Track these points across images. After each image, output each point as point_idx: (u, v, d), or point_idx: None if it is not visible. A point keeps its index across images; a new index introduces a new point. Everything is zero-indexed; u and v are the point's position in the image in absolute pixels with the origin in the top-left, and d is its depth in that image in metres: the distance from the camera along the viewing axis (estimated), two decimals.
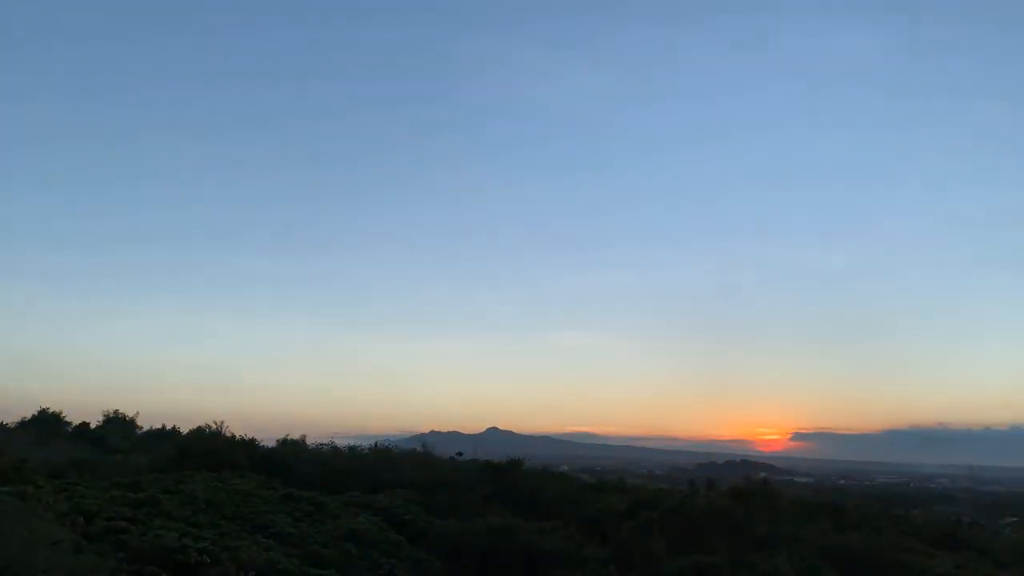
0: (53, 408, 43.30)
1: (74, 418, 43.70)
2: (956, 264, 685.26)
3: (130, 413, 46.48)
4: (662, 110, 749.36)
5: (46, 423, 41.73)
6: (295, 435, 43.43)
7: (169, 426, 47.26)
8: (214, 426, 39.90)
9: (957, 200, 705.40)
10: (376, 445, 47.80)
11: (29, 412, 42.70)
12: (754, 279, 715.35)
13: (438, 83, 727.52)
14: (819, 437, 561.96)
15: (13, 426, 41.73)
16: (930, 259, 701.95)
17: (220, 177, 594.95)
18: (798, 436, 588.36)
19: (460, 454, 51.02)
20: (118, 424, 44.80)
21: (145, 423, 47.17)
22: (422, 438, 57.37)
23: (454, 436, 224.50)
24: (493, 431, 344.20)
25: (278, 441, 42.40)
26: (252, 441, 40.51)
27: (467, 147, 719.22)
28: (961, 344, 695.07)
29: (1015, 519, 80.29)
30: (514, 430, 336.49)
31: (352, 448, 45.62)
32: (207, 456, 33.19)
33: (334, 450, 43.43)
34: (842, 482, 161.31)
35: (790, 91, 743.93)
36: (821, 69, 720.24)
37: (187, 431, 42.50)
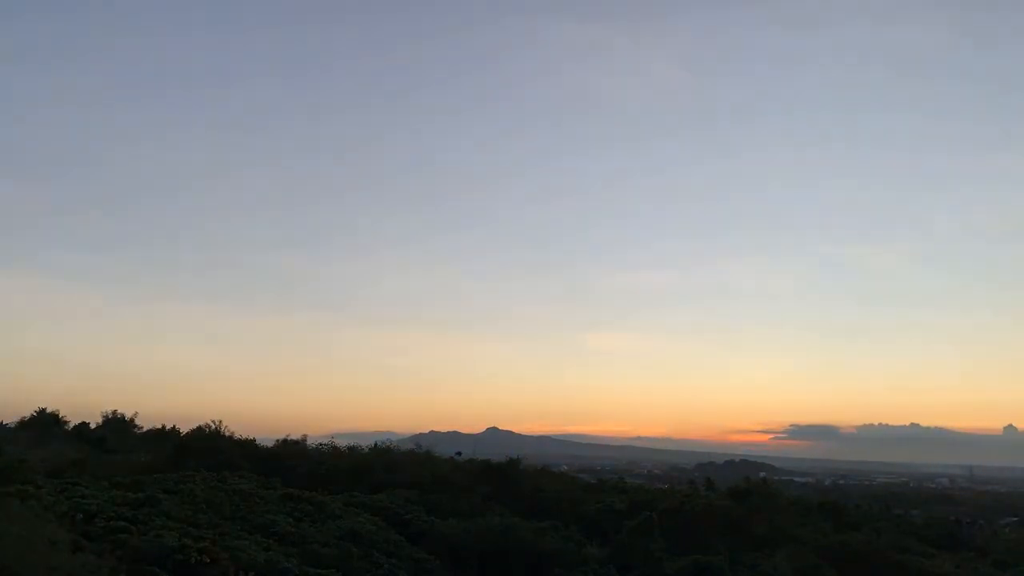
0: (53, 408, 43.30)
1: (73, 418, 43.69)
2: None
3: (129, 413, 46.50)
4: (699, 107, 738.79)
5: (46, 423, 41.69)
6: (295, 435, 43.52)
7: (169, 426, 47.25)
8: (214, 426, 39.88)
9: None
10: (376, 445, 47.91)
11: (29, 412, 42.71)
12: (765, 279, 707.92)
13: (468, 74, 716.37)
14: (819, 436, 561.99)
15: (13, 426, 41.71)
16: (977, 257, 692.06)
17: (221, 177, 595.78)
18: (797, 435, 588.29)
19: (460, 454, 51.12)
20: (117, 424, 44.74)
21: (145, 423, 47.13)
22: (422, 438, 57.46)
23: (454, 436, 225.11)
24: (493, 431, 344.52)
25: (278, 441, 42.44)
26: (252, 441, 40.58)
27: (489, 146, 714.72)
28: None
29: (1015, 519, 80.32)
30: (514, 430, 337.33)
31: (352, 448, 45.72)
32: (207, 456, 33.20)
33: (334, 450, 43.51)
34: (842, 482, 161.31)
35: (837, 84, 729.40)
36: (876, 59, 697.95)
37: (187, 431, 42.49)
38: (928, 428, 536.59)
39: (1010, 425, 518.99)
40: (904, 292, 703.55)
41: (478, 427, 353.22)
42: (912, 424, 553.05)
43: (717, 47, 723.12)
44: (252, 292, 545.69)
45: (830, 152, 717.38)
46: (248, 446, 39.12)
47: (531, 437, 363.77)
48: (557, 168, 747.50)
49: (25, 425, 41.36)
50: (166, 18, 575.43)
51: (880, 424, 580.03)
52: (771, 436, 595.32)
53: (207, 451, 34.60)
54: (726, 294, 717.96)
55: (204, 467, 29.42)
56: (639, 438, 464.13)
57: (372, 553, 21.64)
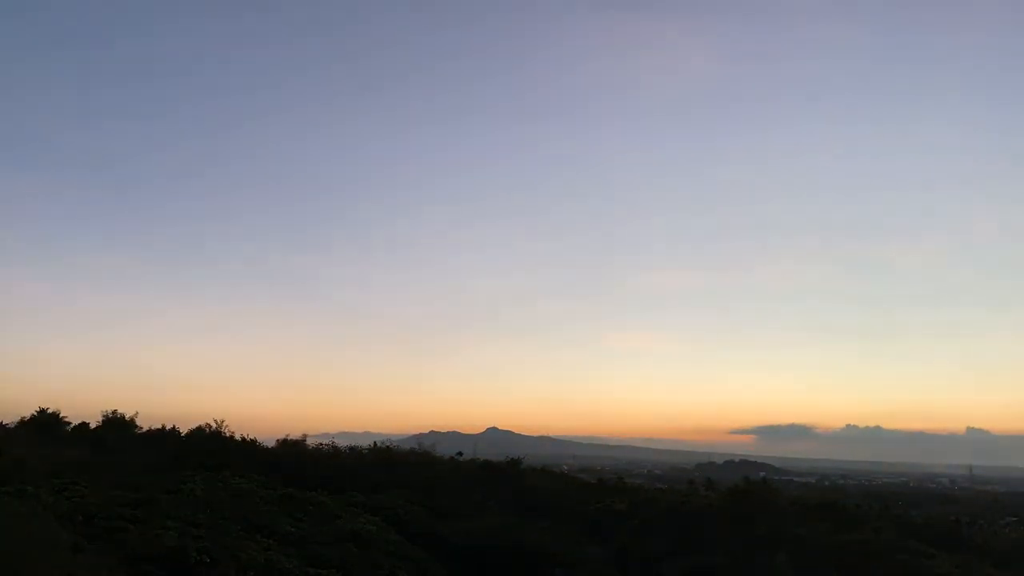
0: (53, 408, 43.23)
1: (74, 418, 43.63)
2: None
3: (129, 413, 46.42)
4: (728, 106, 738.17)
5: (46, 423, 41.63)
6: (295, 435, 43.55)
7: (169, 426, 47.20)
8: (214, 426, 39.89)
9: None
10: (376, 445, 47.93)
11: (29, 412, 42.66)
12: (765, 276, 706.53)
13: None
14: (798, 436, 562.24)
15: (13, 426, 41.64)
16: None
17: (222, 176, 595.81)
18: (776, 435, 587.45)
19: (460, 454, 51.13)
20: (117, 424, 44.65)
21: (144, 423, 47.06)
22: (422, 438, 57.53)
23: (454, 436, 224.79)
24: (493, 431, 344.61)
25: (278, 441, 42.45)
26: (252, 441, 40.60)
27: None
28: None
29: (1015, 519, 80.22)
30: (514, 430, 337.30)
31: (352, 448, 45.76)
32: (207, 456, 33.19)
33: (334, 450, 43.54)
34: (842, 482, 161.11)
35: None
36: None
37: (187, 431, 42.47)
38: (893, 430, 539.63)
39: (970, 427, 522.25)
40: (903, 295, 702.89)
41: (478, 427, 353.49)
42: (876, 426, 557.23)
43: (752, 42, 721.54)
44: (253, 293, 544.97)
45: (837, 161, 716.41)
46: (248, 446, 39.14)
47: (531, 437, 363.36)
48: (555, 168, 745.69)
49: (25, 425, 41.30)
50: (154, 17, 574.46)
51: (848, 425, 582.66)
52: (758, 437, 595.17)
53: (207, 451, 34.61)
54: (726, 296, 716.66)
55: (204, 467, 29.42)
56: (639, 438, 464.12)
57: (372, 553, 21.64)
